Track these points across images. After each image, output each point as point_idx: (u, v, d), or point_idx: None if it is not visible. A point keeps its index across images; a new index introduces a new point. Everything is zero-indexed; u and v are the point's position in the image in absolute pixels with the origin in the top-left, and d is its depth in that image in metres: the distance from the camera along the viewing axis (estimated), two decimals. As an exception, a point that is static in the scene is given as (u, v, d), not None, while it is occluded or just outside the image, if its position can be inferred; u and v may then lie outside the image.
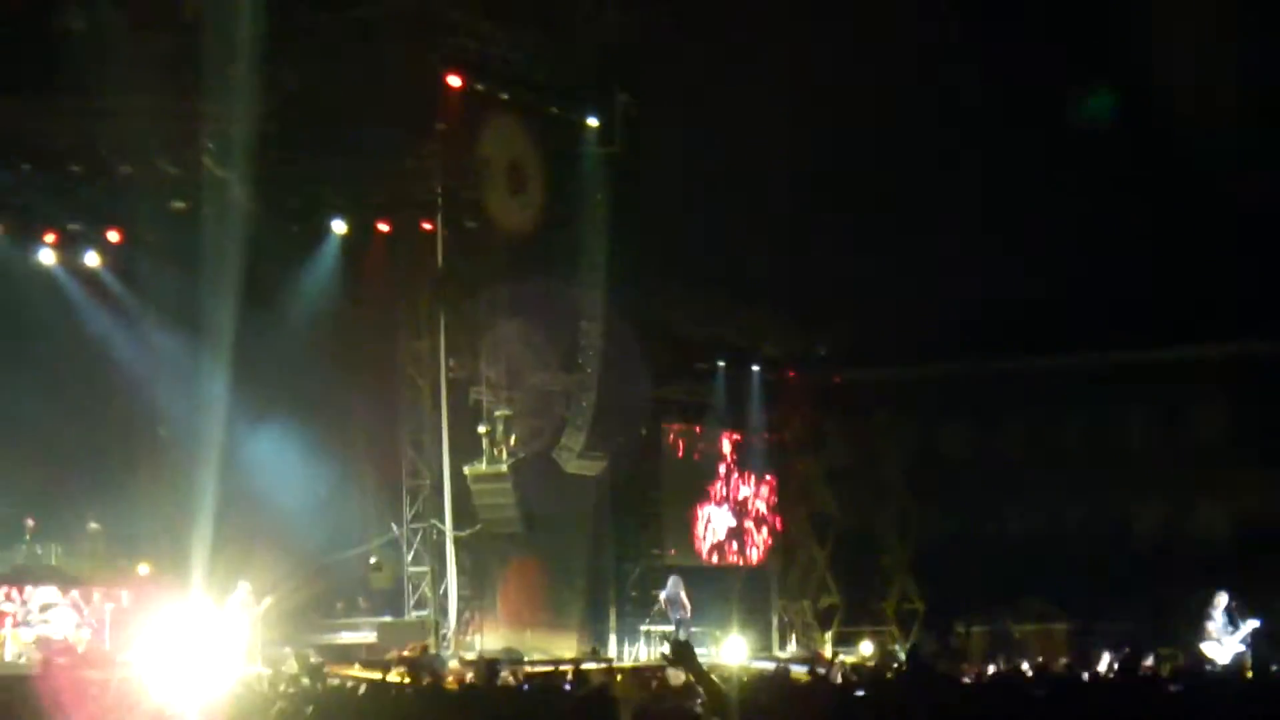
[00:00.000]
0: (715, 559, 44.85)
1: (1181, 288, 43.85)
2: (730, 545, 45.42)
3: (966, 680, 23.44)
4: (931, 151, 42.32)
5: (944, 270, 43.23)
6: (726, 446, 45.80)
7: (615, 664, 35.38)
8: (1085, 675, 24.48)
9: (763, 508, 46.53)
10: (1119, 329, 45.66)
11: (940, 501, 47.68)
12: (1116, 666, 28.65)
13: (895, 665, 35.10)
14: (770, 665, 35.01)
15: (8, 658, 29.89)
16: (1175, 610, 37.29)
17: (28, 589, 31.21)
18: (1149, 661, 29.08)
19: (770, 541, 46.40)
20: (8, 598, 30.84)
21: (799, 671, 26.92)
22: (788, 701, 17.61)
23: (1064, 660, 33.09)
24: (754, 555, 46.01)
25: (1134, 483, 47.54)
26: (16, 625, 30.63)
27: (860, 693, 19.03)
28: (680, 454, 44.61)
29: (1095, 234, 42.89)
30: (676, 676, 25.93)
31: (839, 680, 25.12)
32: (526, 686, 22.28)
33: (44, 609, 31.07)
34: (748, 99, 40.38)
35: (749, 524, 46.06)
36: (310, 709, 15.91)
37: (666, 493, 43.57)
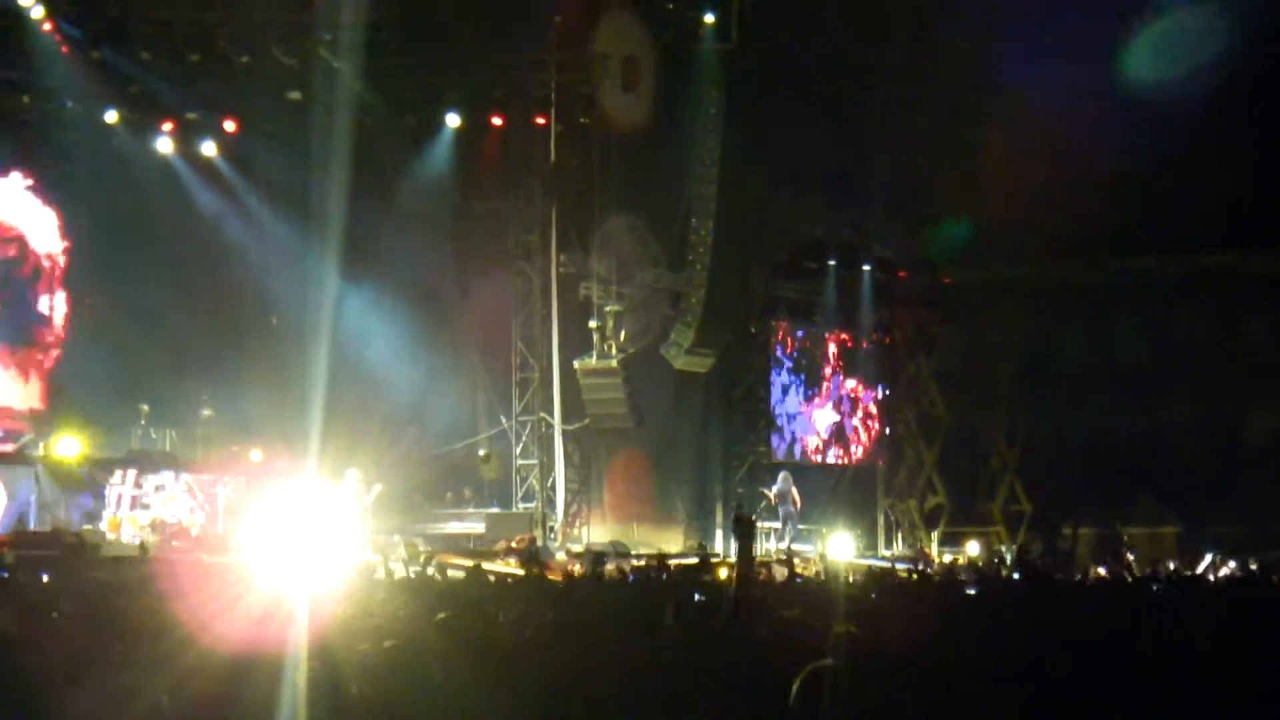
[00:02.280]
0: (821, 457, 44.85)
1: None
2: (837, 443, 45.41)
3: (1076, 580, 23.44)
4: (1052, 55, 41.85)
5: (1057, 170, 42.84)
6: (835, 346, 45.69)
7: (723, 559, 35.51)
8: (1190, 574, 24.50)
9: (871, 407, 46.45)
10: (1237, 230, 45.15)
11: (1049, 403, 47.40)
12: (1213, 571, 28.62)
13: (998, 564, 35.16)
14: (882, 563, 35.15)
15: (124, 539, 30.29)
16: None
17: (143, 473, 31.58)
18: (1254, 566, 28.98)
19: (877, 440, 46.34)
20: (123, 481, 31.20)
21: (904, 569, 26.99)
22: (899, 599, 17.64)
23: (1171, 565, 32.98)
24: (860, 454, 45.96)
25: (1246, 386, 47.11)
26: (133, 508, 31.02)
27: (971, 591, 19.04)
28: (789, 351, 44.53)
29: (1220, 135, 42.36)
30: (781, 572, 26.10)
31: (948, 578, 25.13)
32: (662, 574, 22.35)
33: (158, 492, 31.45)
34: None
35: (856, 423, 46.02)
36: (426, 597, 16.05)
37: (774, 390, 43.50)
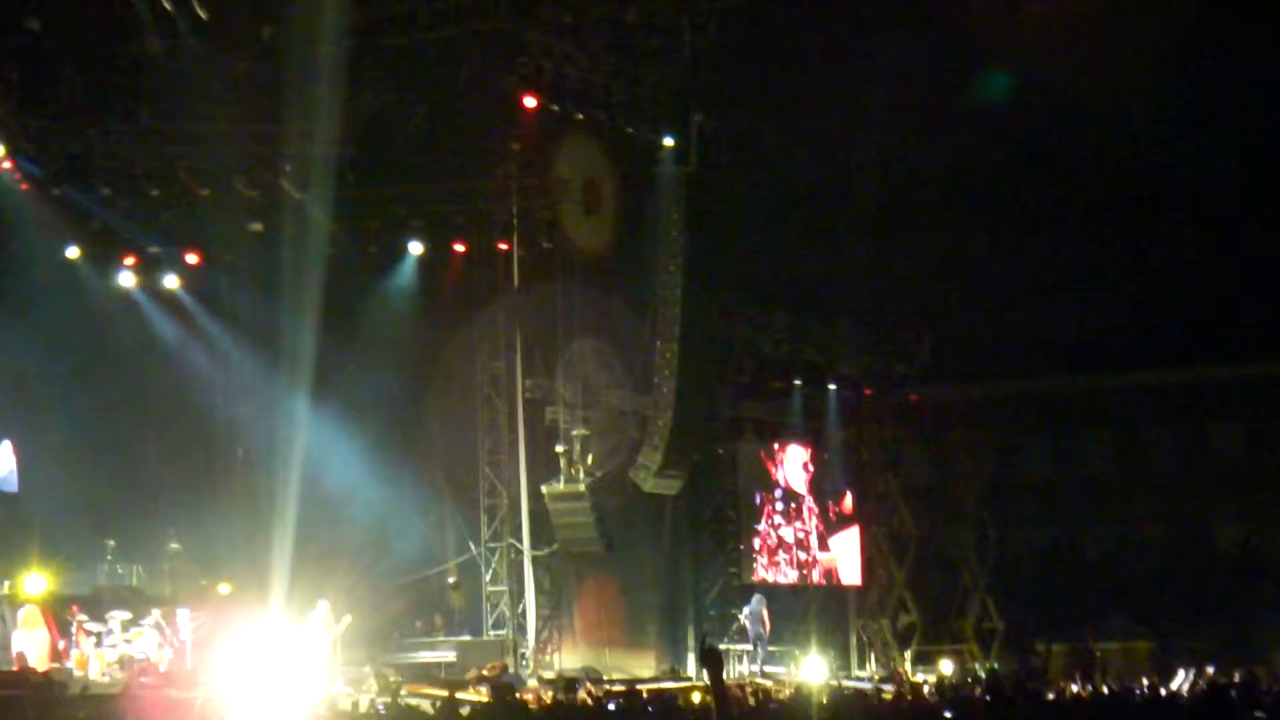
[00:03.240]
0: (792, 579, 44.69)
1: (1267, 305, 43.63)
2: (808, 565, 45.25)
3: (1050, 698, 23.32)
4: (1008, 175, 42.26)
5: (1022, 289, 43.13)
6: (803, 466, 45.63)
7: (694, 683, 35.31)
8: (1164, 692, 24.38)
9: (840, 525, 46.32)
10: (1200, 346, 45.44)
11: (1019, 520, 47.55)
12: (1188, 687, 28.51)
13: (972, 683, 35.01)
14: (856, 684, 34.98)
15: (92, 676, 30.02)
16: (1257, 627, 37.09)
17: (110, 609, 31.33)
18: (1227, 683, 28.83)
19: (847, 561, 46.20)
20: (91, 618, 30.96)
21: (886, 690, 26.88)
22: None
23: (1145, 681, 32.86)
24: (833, 575, 45.82)
25: (1216, 500, 47.29)
26: (100, 645, 30.76)
27: (948, 714, 18.94)
28: (757, 473, 44.45)
29: (1177, 252, 42.71)
30: (751, 699, 25.93)
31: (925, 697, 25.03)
32: (612, 706, 22.23)
33: (126, 628, 31.20)
34: (825, 118, 40.42)
35: (827, 544, 45.88)
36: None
37: (743, 512, 43.40)
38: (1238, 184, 42.94)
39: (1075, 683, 33.59)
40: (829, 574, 45.55)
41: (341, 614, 32.49)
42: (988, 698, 23.50)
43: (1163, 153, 41.97)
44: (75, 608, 31.02)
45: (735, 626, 39.67)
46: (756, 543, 43.65)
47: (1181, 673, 32.84)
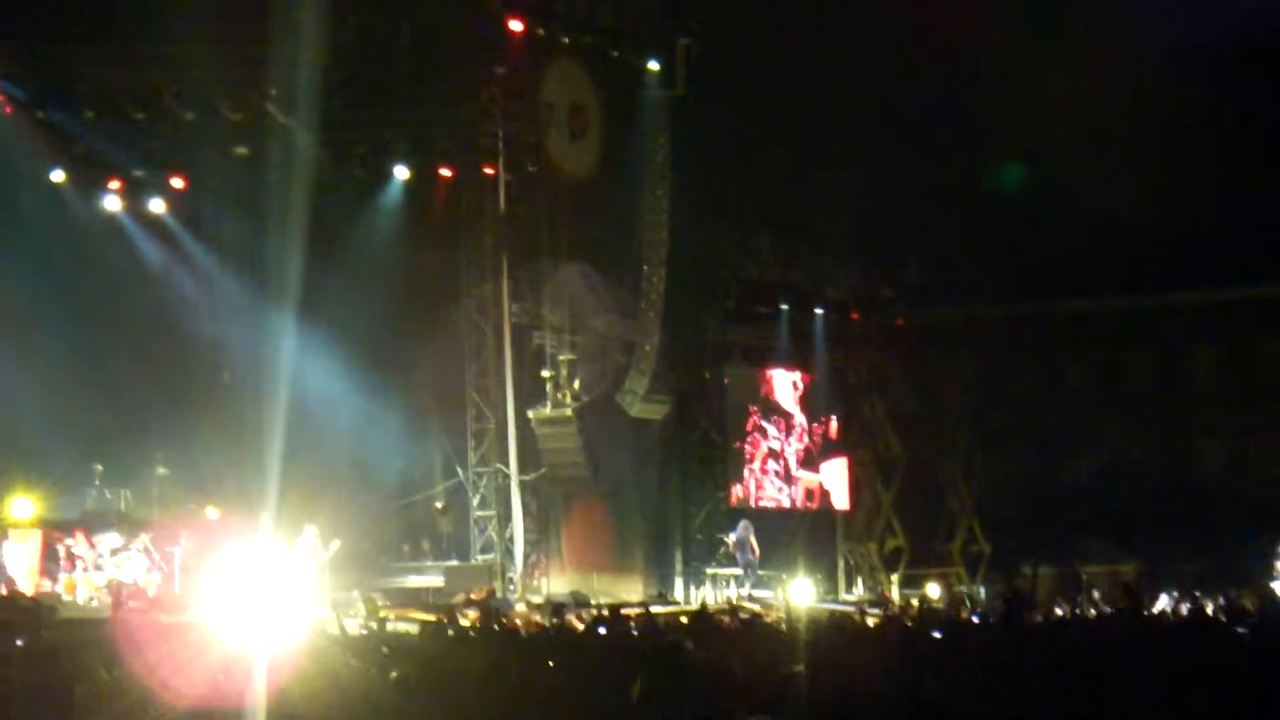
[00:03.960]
0: (780, 501, 44.80)
1: (1248, 228, 43.64)
2: (795, 487, 45.36)
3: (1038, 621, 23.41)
4: (993, 98, 42.17)
5: (1007, 213, 43.09)
6: (791, 389, 45.67)
7: (682, 606, 35.43)
8: (1149, 614, 24.47)
9: (828, 450, 46.39)
10: (1182, 268, 45.48)
11: (1005, 444, 47.59)
12: (1172, 608, 28.65)
13: (965, 606, 35.14)
14: (844, 607, 35.10)
15: (80, 601, 30.10)
16: (1241, 551, 37.20)
17: (98, 533, 31.37)
18: (1211, 606, 28.99)
19: (835, 484, 46.29)
20: (79, 542, 31.01)
21: (872, 613, 26.97)
22: (862, 644, 17.58)
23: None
24: (820, 498, 45.92)
25: (1198, 423, 47.40)
26: (88, 569, 30.82)
27: (936, 634, 18.98)
28: (744, 397, 44.49)
29: (1159, 174, 42.63)
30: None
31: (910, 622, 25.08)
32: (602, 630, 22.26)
33: (114, 553, 31.25)
34: (811, 39, 40.27)
35: (815, 467, 45.95)
36: (384, 651, 15.95)
37: (730, 436, 43.47)
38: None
39: (1061, 606, 33.77)
40: (817, 496, 45.63)
41: (329, 539, 32.53)
42: (993, 618, 23.58)
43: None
44: (62, 532, 31.11)
45: (723, 550, 39.79)
46: (744, 467, 43.73)
47: (1165, 595, 32.99)
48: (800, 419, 45.43)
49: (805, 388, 45.71)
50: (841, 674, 12.71)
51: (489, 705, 11.60)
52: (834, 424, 46.07)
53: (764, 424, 44.63)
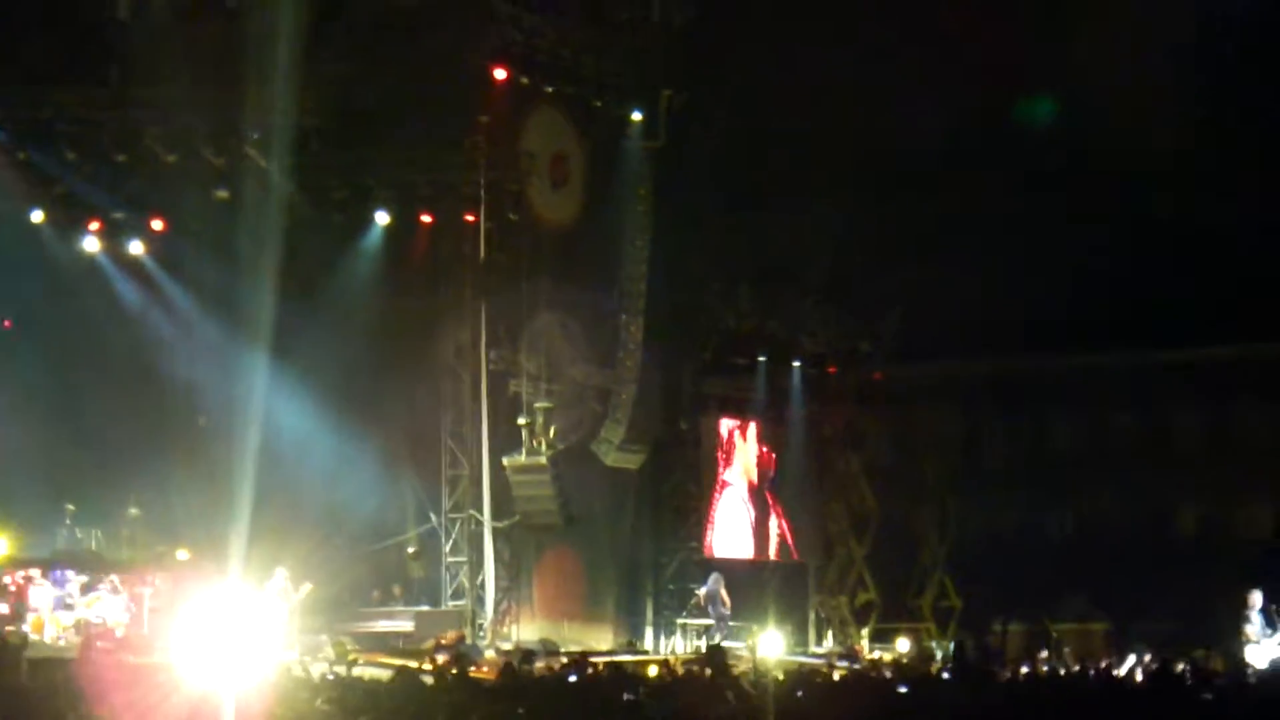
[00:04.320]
0: (751, 554, 44.79)
1: (1229, 287, 43.78)
2: (768, 540, 45.35)
3: (1006, 677, 23.44)
4: (977, 151, 42.30)
5: (987, 268, 43.18)
6: (765, 442, 45.70)
7: (651, 657, 35.42)
8: (1117, 673, 24.52)
9: (800, 503, 46.38)
10: (1164, 327, 45.59)
11: (979, 499, 47.66)
12: (1140, 672, 28.69)
13: (934, 662, 35.16)
14: (813, 660, 35.10)
15: (47, 640, 30.03)
16: (1213, 611, 37.20)
17: (67, 573, 31.31)
18: (1180, 666, 28.99)
19: (805, 538, 46.28)
20: (47, 582, 30.95)
21: (840, 667, 27.02)
22: (829, 697, 17.64)
23: (1103, 662, 33.00)
24: (791, 551, 45.92)
25: (1177, 482, 47.49)
26: (56, 609, 30.75)
27: (903, 689, 19.04)
28: (719, 447, 44.52)
29: (1140, 233, 42.82)
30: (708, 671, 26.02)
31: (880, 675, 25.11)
32: (573, 678, 22.27)
33: (83, 592, 31.19)
34: (794, 95, 40.42)
35: (781, 522, 45.94)
36: (348, 698, 15.97)
37: (705, 486, 43.50)
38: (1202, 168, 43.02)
39: (1031, 663, 33.77)
40: (788, 550, 45.63)
41: (300, 582, 32.51)
42: (949, 669, 23.63)
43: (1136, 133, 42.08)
44: (30, 572, 31.07)
45: (693, 602, 39.81)
46: (716, 518, 43.73)
47: (1133, 655, 33.00)
48: (771, 477, 45.42)
49: (779, 442, 45.73)
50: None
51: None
52: (808, 477, 46.01)
53: (738, 478, 44.62)
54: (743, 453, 44.90)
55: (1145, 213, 43.62)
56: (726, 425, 44.53)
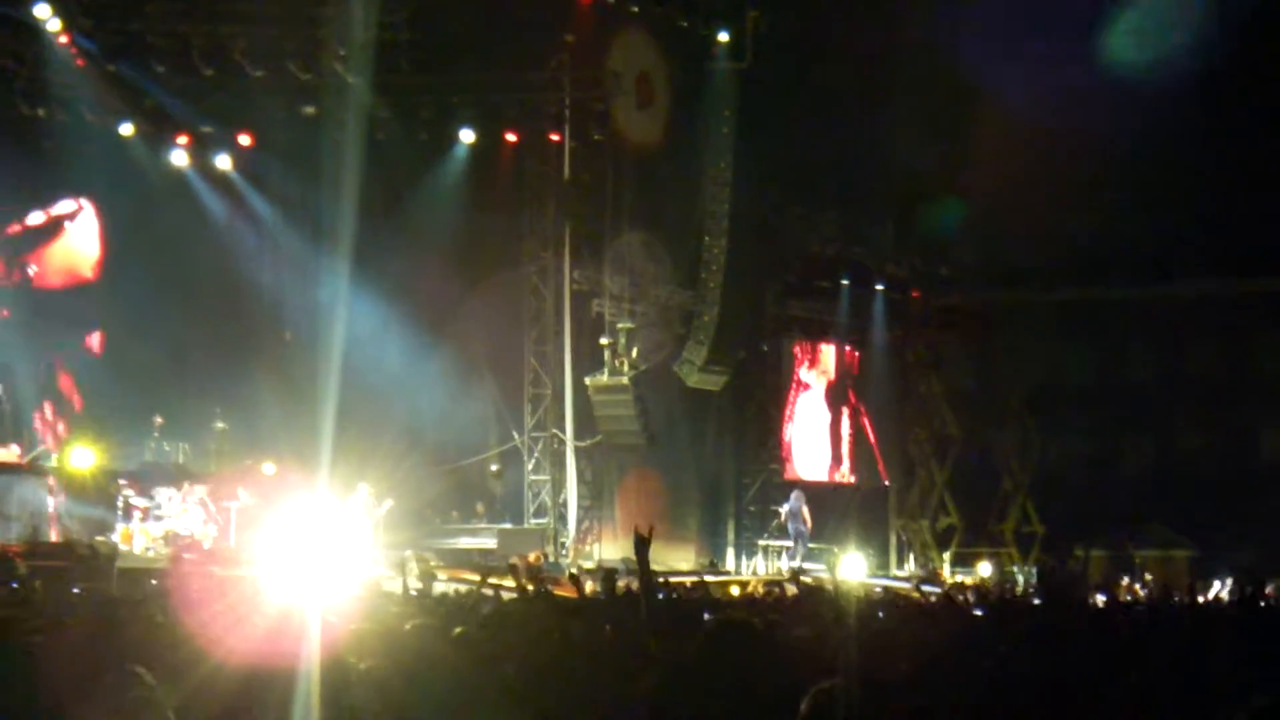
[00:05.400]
0: (832, 476, 44.84)
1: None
2: (849, 462, 45.39)
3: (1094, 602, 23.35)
4: (1065, 81, 41.91)
5: (1072, 195, 42.91)
6: (848, 365, 45.68)
7: (732, 577, 35.52)
8: (1202, 599, 24.40)
9: (883, 427, 46.39)
10: (1244, 255, 45.24)
11: (1061, 425, 47.50)
12: (1228, 595, 28.53)
13: (1010, 586, 35.08)
14: (895, 583, 35.05)
15: (136, 551, 30.34)
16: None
17: (155, 485, 31.61)
18: (1269, 590, 28.85)
19: (886, 461, 46.31)
20: (137, 493, 31.25)
21: (928, 590, 26.89)
22: (912, 621, 17.58)
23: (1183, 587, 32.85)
24: (871, 473, 45.94)
25: (1259, 409, 47.19)
26: (145, 520, 31.06)
27: (978, 612, 18.99)
28: (802, 370, 44.52)
29: (1229, 162, 42.44)
30: (791, 589, 26.05)
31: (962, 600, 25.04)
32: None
33: (171, 504, 31.47)
34: (880, 15, 40.16)
35: (870, 442, 45.97)
36: (442, 612, 16.04)
37: (787, 409, 43.51)
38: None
39: (1111, 589, 33.63)
40: (870, 473, 45.65)
41: (383, 498, 32.73)
42: (1040, 594, 23.54)
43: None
44: (121, 482, 31.38)
45: (775, 523, 39.88)
46: (798, 439, 43.77)
47: (1219, 581, 32.86)
48: (853, 400, 45.42)
49: (861, 365, 45.72)
50: (902, 649, 12.74)
51: (538, 666, 11.66)
52: (890, 400, 45.98)
53: (820, 400, 44.63)
54: (826, 375, 44.88)
55: (1227, 141, 43.18)
56: (809, 347, 44.52)
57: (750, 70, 38.25)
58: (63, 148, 34.76)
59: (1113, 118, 42.16)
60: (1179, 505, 43.80)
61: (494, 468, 37.50)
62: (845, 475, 45.38)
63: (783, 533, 39.22)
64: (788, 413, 43.74)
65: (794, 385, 44.23)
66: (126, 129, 35.24)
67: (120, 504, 30.92)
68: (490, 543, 35.47)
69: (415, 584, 23.42)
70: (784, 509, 39.20)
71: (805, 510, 38.79)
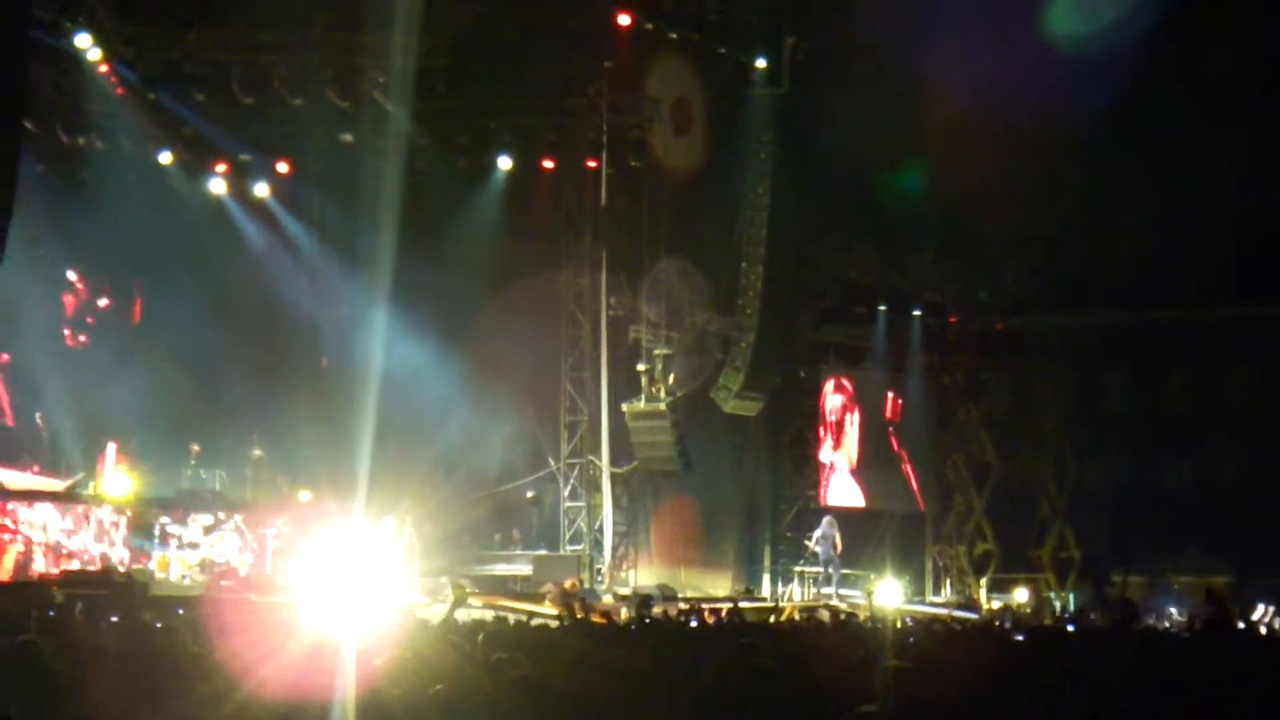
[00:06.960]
0: (868, 502, 44.72)
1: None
2: (886, 489, 45.25)
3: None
4: (1105, 103, 41.80)
5: (1111, 219, 42.80)
6: (885, 391, 45.58)
7: (768, 604, 35.44)
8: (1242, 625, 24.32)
9: (920, 453, 46.25)
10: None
11: (1099, 450, 47.33)
12: (1268, 619, 28.46)
13: (1053, 612, 34.99)
14: (932, 609, 35.00)
15: (173, 579, 30.39)
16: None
17: (192, 513, 31.66)
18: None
19: (922, 487, 46.16)
20: (174, 520, 31.31)
21: (965, 616, 26.95)
22: (949, 646, 17.58)
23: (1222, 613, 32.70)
24: (908, 499, 45.81)
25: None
26: (181, 548, 31.11)
27: (1020, 637, 18.97)
28: (838, 396, 44.44)
29: (1268, 187, 42.29)
30: (826, 615, 26.02)
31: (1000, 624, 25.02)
32: (694, 623, 22.27)
33: (207, 532, 31.52)
34: (917, 44, 40.07)
35: (906, 469, 45.84)
36: (479, 639, 16.06)
37: (823, 435, 43.42)
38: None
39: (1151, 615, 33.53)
40: (907, 499, 45.52)
41: (420, 525, 32.79)
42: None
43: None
44: (158, 510, 31.44)
45: (808, 552, 39.81)
46: (834, 466, 43.67)
47: (1261, 606, 32.75)
48: (891, 426, 45.33)
49: (898, 391, 45.63)
50: (941, 676, 12.73)
51: (581, 693, 11.67)
52: (928, 426, 45.88)
53: (856, 427, 44.54)
54: (859, 395, 44.77)
55: (1267, 167, 43.02)
56: (846, 374, 44.45)
57: (788, 97, 38.22)
58: (99, 178, 34.95)
59: (1146, 143, 42.06)
60: (1217, 530, 43.61)
61: (530, 494, 37.52)
62: (882, 502, 45.22)
63: (817, 560, 39.15)
64: (824, 439, 43.60)
65: (831, 411, 44.12)
66: (165, 157, 35.47)
67: (157, 532, 30.95)
68: (526, 569, 35.54)
69: (451, 610, 23.46)
70: (814, 536, 39.14)
71: (837, 535, 38.70)
